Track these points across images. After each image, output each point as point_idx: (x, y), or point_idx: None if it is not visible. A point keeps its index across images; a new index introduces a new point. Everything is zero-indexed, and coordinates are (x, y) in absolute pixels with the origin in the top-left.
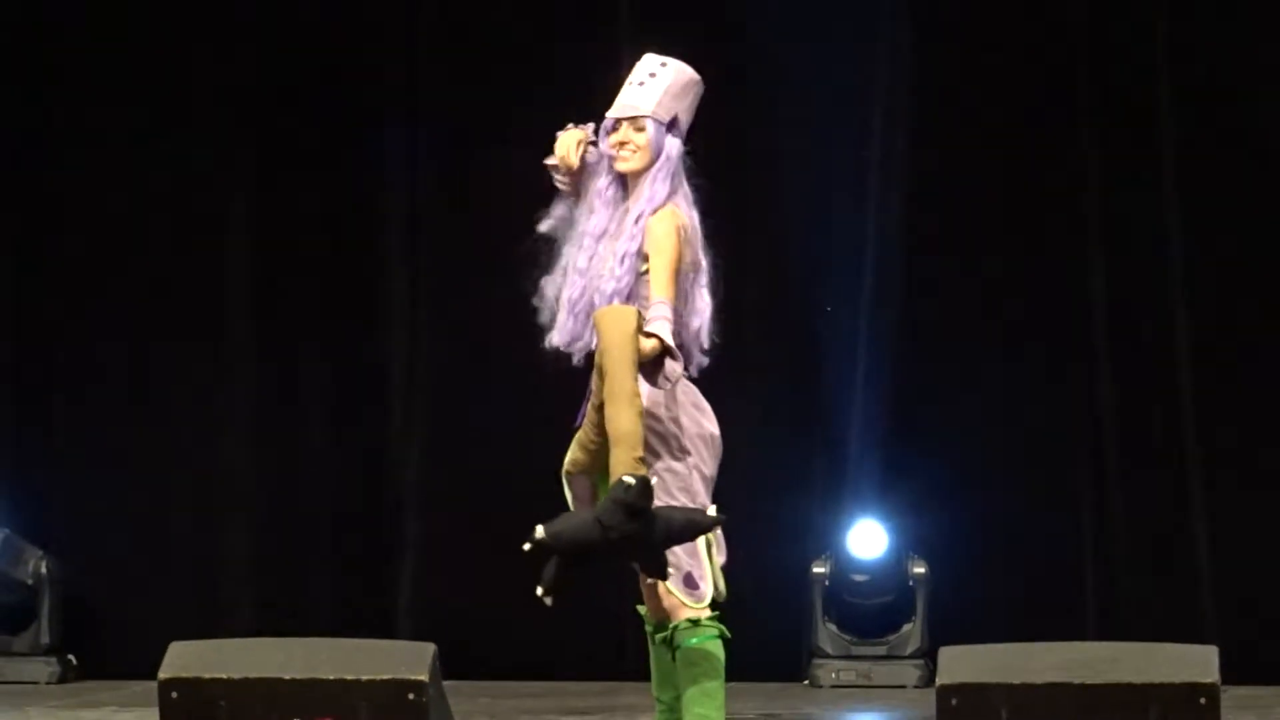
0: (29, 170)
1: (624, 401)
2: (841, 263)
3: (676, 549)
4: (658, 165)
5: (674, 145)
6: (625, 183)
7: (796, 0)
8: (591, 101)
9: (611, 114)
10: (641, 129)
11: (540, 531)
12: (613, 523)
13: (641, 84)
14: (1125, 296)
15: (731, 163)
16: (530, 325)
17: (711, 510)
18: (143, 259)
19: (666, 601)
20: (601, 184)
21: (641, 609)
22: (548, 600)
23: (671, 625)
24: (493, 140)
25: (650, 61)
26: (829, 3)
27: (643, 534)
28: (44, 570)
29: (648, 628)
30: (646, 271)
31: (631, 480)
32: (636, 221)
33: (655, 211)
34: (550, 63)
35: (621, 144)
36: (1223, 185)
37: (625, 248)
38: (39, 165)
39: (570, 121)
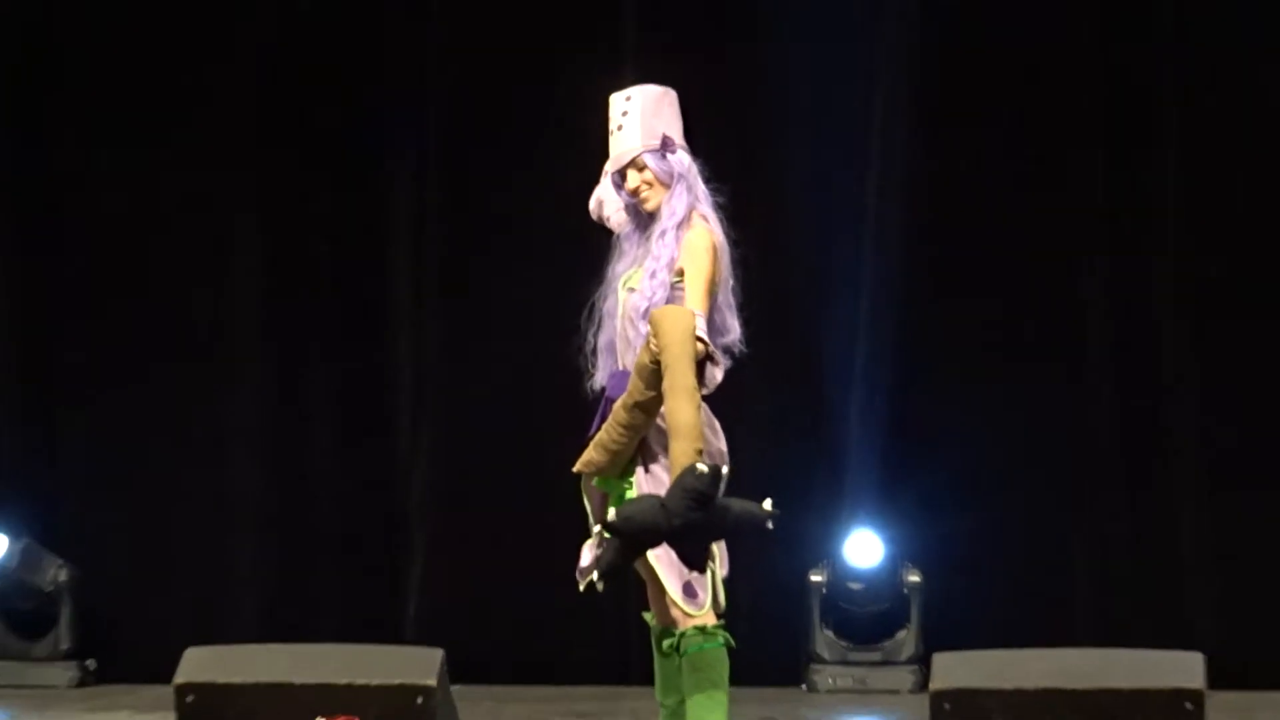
0: (36, 182)
1: (685, 396)
2: (839, 278)
3: (677, 560)
4: (674, 185)
5: (677, 160)
6: (644, 218)
7: (798, 4)
8: (592, 111)
9: (611, 168)
10: (643, 166)
11: (613, 514)
12: (678, 509)
13: (620, 127)
14: (1117, 313)
15: (729, 173)
16: (536, 329)
17: (767, 504)
18: (151, 272)
19: (671, 609)
20: (628, 229)
21: (648, 615)
22: (600, 585)
23: (679, 632)
24: (497, 151)
25: (617, 102)
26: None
27: (704, 522)
28: (62, 578)
29: (653, 634)
30: (679, 285)
31: (703, 469)
32: (663, 237)
33: (679, 225)
34: (552, 72)
35: (635, 190)
36: (1217, 204)
37: (654, 265)
38: (45, 177)
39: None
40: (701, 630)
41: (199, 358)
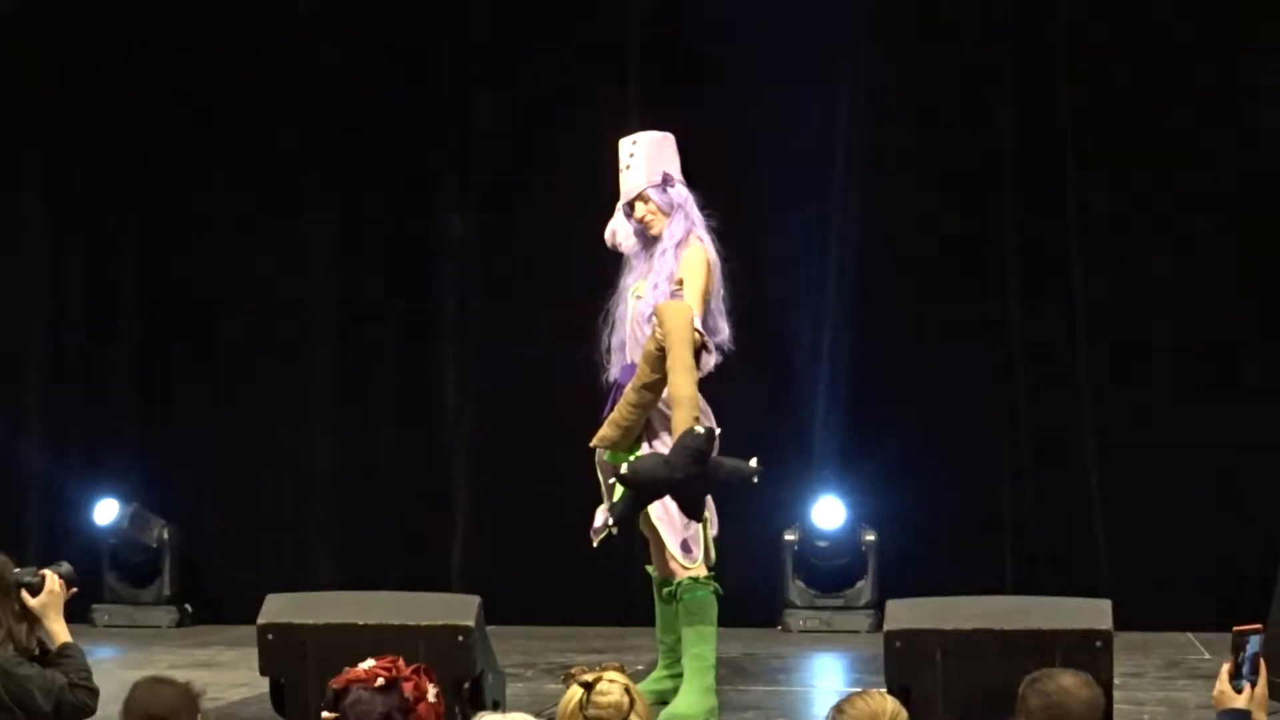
0: (159, 199)
1: (685, 372)
2: (806, 277)
3: (677, 520)
4: (673, 213)
5: (677, 193)
6: (649, 240)
7: (769, 50)
8: (601, 151)
9: (622, 202)
10: (647, 199)
11: (625, 468)
12: (679, 464)
13: (628, 167)
14: (1036, 315)
15: (712, 179)
16: (557, 336)
17: (753, 462)
18: (250, 280)
19: (670, 563)
20: (636, 249)
21: (650, 569)
22: (614, 531)
23: (677, 582)
24: (526, 186)
25: (625, 146)
26: (796, 44)
27: (700, 475)
28: (165, 536)
29: (655, 584)
30: (677, 293)
31: (700, 430)
32: (663, 255)
33: (678, 245)
34: (572, 122)
35: (641, 219)
36: (1120, 226)
37: (655, 278)
38: (165, 195)
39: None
40: (695, 580)
41: (284, 352)
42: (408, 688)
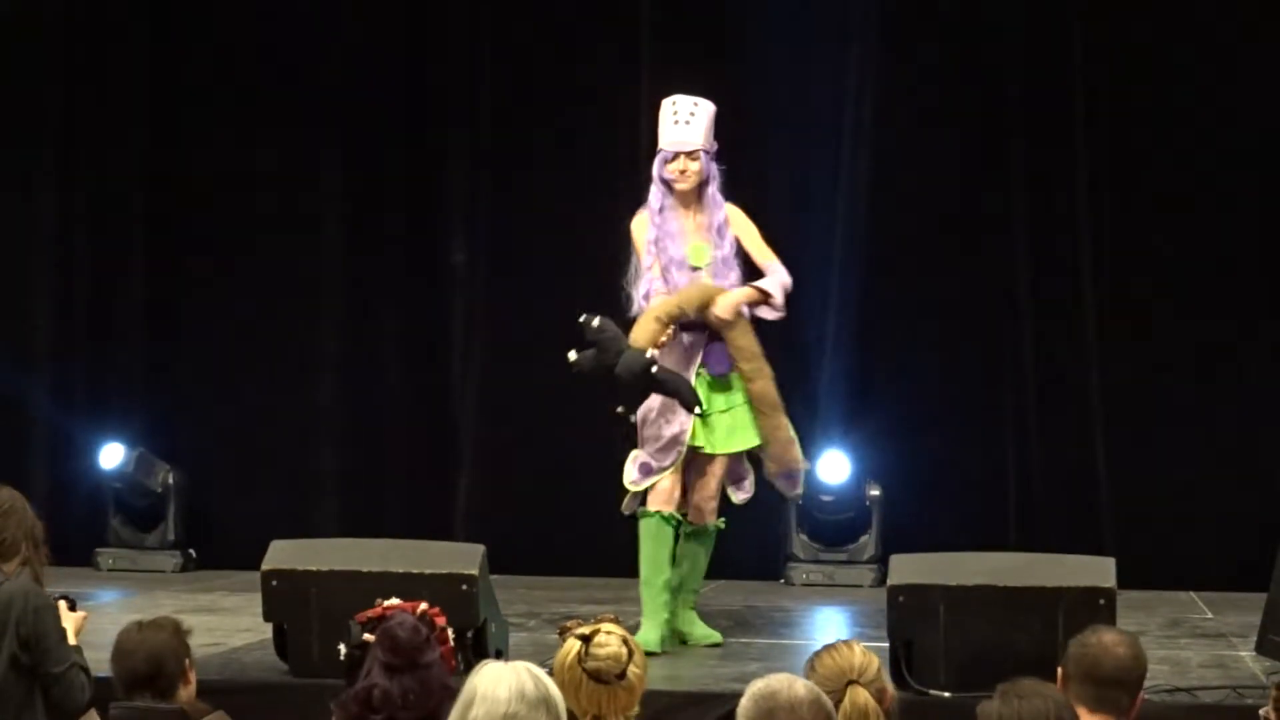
0: (164, 153)
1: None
2: (816, 248)
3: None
4: (713, 186)
5: (714, 168)
6: (678, 196)
7: (779, 27)
8: (611, 105)
9: (670, 148)
10: (696, 159)
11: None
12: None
13: (687, 122)
14: (1044, 272)
15: (730, 145)
16: (566, 284)
17: (698, 410)
18: (256, 228)
19: (707, 509)
20: (660, 203)
21: (668, 512)
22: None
23: (708, 522)
24: (534, 143)
25: (685, 102)
26: (803, 18)
27: (643, 371)
28: (170, 481)
29: (684, 529)
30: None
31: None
32: (720, 233)
33: (725, 219)
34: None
35: (683, 172)
36: (1127, 186)
37: (721, 253)
38: (171, 149)
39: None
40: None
41: (291, 299)
42: (439, 620)
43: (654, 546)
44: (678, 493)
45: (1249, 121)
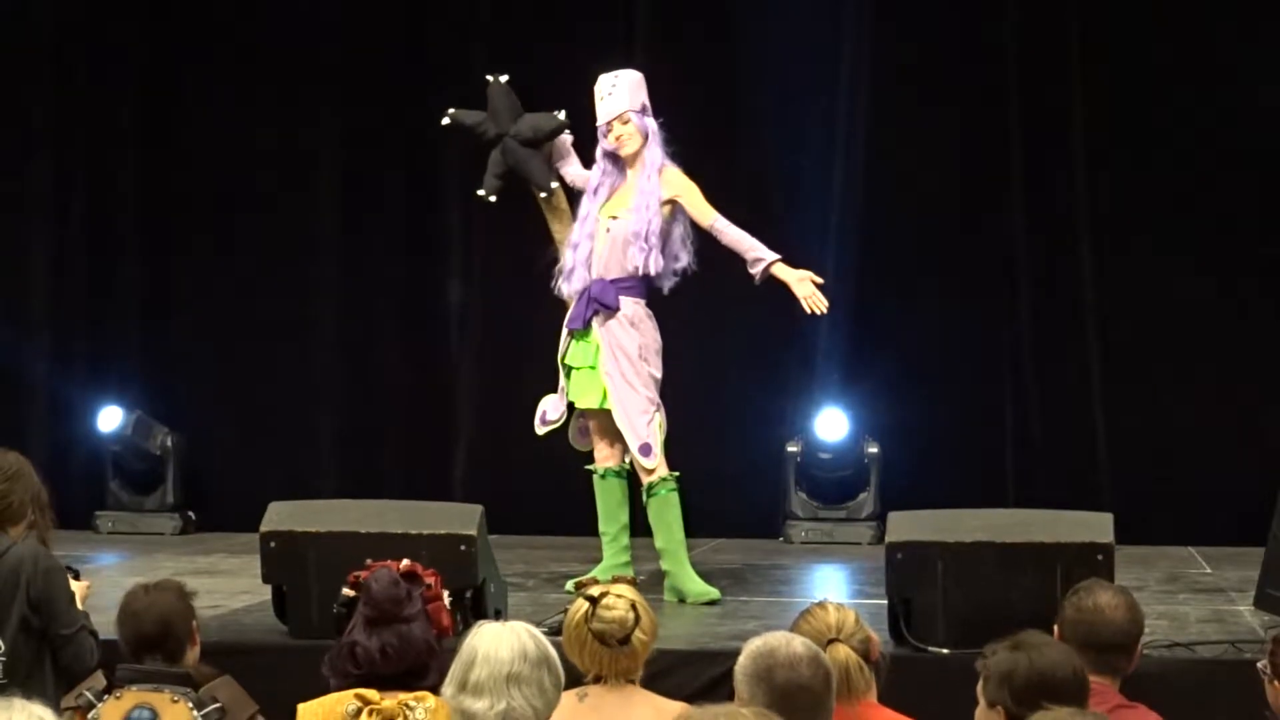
0: (160, 119)
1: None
2: (813, 207)
3: (639, 425)
4: (649, 141)
5: (651, 123)
6: (620, 164)
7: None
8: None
9: (601, 121)
10: (627, 121)
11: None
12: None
13: (610, 94)
14: (1040, 229)
15: (730, 117)
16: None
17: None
18: (252, 195)
19: (638, 470)
20: (601, 175)
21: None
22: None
23: (646, 484)
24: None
25: (605, 79)
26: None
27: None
28: (169, 444)
29: (599, 476)
30: (668, 214)
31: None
32: (648, 179)
33: (660, 170)
34: (575, 47)
35: (619, 138)
36: (1125, 139)
37: (643, 199)
38: (166, 112)
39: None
40: (663, 480)
41: (289, 262)
42: (429, 578)
43: (601, 500)
44: (618, 448)
45: (1245, 78)
